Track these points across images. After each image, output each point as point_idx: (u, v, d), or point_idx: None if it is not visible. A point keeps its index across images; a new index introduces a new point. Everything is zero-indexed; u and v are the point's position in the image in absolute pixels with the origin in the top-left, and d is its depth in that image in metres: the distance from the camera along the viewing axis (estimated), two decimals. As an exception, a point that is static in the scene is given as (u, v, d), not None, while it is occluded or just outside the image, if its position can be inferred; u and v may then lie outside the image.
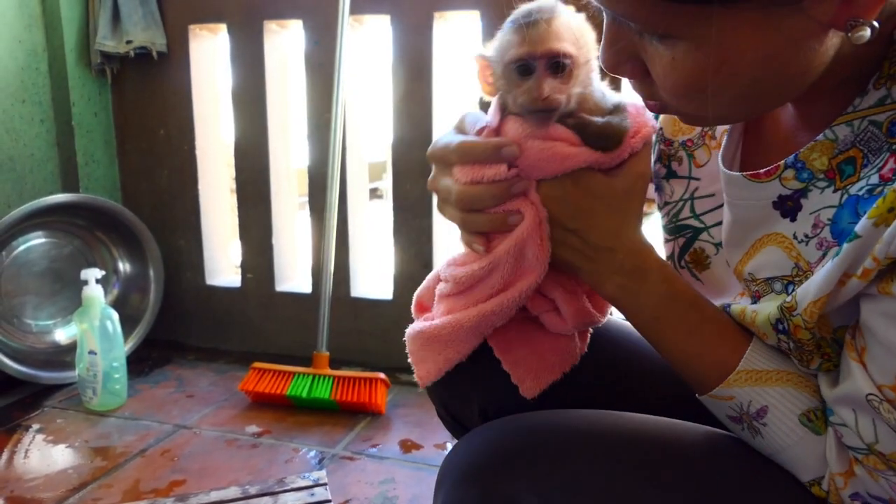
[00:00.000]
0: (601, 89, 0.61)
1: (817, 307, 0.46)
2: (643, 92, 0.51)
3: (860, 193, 0.46)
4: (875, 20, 0.41)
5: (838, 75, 0.47)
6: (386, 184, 1.92)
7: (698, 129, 0.64)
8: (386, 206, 1.76)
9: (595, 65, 0.59)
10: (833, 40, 0.43)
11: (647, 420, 0.60)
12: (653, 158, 0.70)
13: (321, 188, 1.69)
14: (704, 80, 0.45)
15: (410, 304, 0.71)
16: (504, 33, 0.59)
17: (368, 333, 1.79)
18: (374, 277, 1.90)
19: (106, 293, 1.81)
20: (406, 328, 0.67)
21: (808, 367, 0.52)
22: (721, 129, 0.61)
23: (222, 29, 1.82)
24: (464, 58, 1.65)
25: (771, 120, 0.57)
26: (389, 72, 1.66)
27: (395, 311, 1.75)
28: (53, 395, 1.66)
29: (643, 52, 0.47)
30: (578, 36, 0.57)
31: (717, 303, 0.61)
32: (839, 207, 0.48)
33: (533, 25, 0.56)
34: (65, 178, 1.89)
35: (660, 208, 0.69)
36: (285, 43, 1.83)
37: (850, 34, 0.41)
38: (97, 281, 1.57)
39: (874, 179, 0.45)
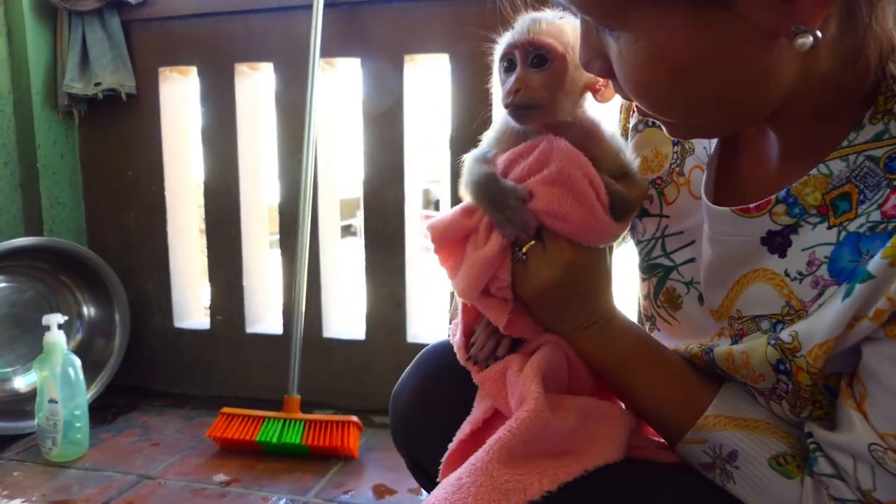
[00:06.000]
0: (618, 142, 0.59)
1: (823, 350, 0.45)
2: (620, 92, 0.51)
3: (861, 230, 0.45)
4: (819, 30, 0.40)
5: (814, 100, 0.46)
6: (360, 221, 1.91)
7: (666, 166, 0.64)
8: (359, 244, 1.75)
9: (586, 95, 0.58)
10: (788, 54, 0.42)
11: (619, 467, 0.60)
12: None
13: (292, 227, 1.68)
14: (651, 77, 0.44)
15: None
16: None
17: (341, 375, 1.76)
18: (346, 317, 1.88)
19: (69, 338, 1.76)
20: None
21: (797, 415, 0.51)
22: (690, 165, 0.61)
23: (193, 71, 1.83)
24: (434, 99, 1.68)
25: (747, 153, 0.56)
26: (360, 112, 1.68)
27: (368, 352, 1.72)
28: (10, 447, 1.59)
29: (608, 49, 0.47)
30: (573, 41, 0.54)
31: (695, 344, 0.60)
32: (837, 245, 0.47)
33: (521, 22, 0.55)
34: (28, 220, 1.85)
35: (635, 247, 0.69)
36: (256, 85, 1.84)
37: (792, 41, 0.41)
38: (59, 326, 1.52)
39: (875, 216, 0.44)
